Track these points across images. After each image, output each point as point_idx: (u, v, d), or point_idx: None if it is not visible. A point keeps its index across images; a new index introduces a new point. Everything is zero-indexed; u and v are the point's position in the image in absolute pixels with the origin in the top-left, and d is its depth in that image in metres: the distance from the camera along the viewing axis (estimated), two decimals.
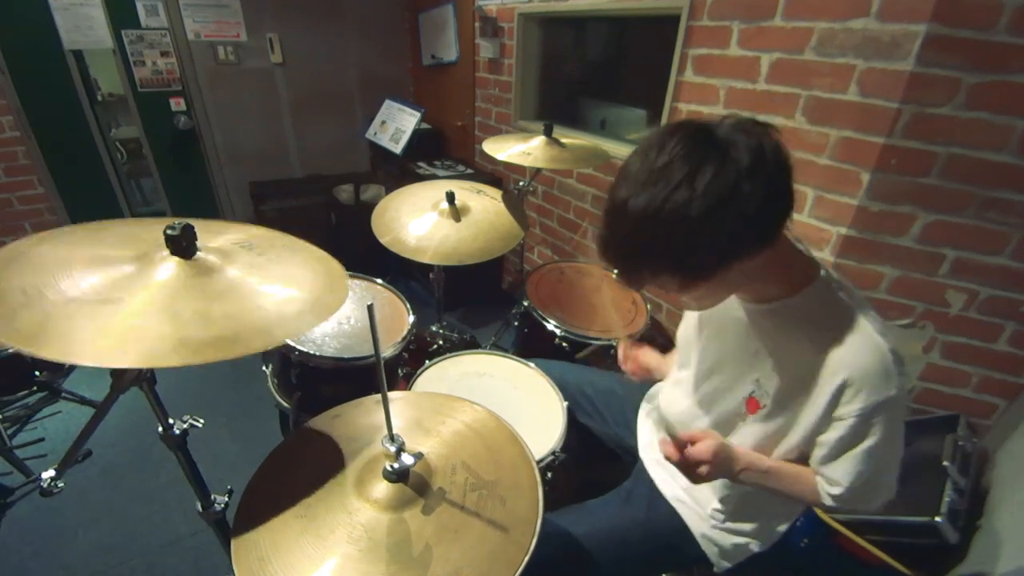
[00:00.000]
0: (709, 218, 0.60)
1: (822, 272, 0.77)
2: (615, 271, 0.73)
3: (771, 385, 0.81)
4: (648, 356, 1.18)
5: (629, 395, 1.25)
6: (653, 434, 1.13)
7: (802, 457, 0.84)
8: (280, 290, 0.71)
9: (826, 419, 0.75)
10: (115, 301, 0.60)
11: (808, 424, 0.78)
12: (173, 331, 0.59)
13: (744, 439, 0.87)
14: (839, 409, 0.73)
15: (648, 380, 1.18)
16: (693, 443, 0.80)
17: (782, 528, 0.99)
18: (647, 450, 1.12)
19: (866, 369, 0.70)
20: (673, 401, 1.04)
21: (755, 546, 0.97)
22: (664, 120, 1.83)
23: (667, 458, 0.81)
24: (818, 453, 0.79)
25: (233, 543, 0.64)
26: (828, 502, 0.81)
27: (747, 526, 0.96)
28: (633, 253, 0.68)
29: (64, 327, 0.55)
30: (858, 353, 0.70)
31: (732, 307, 0.87)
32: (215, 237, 0.76)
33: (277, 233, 0.86)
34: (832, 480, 0.79)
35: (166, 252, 0.67)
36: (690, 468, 0.80)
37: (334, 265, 0.82)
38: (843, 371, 0.71)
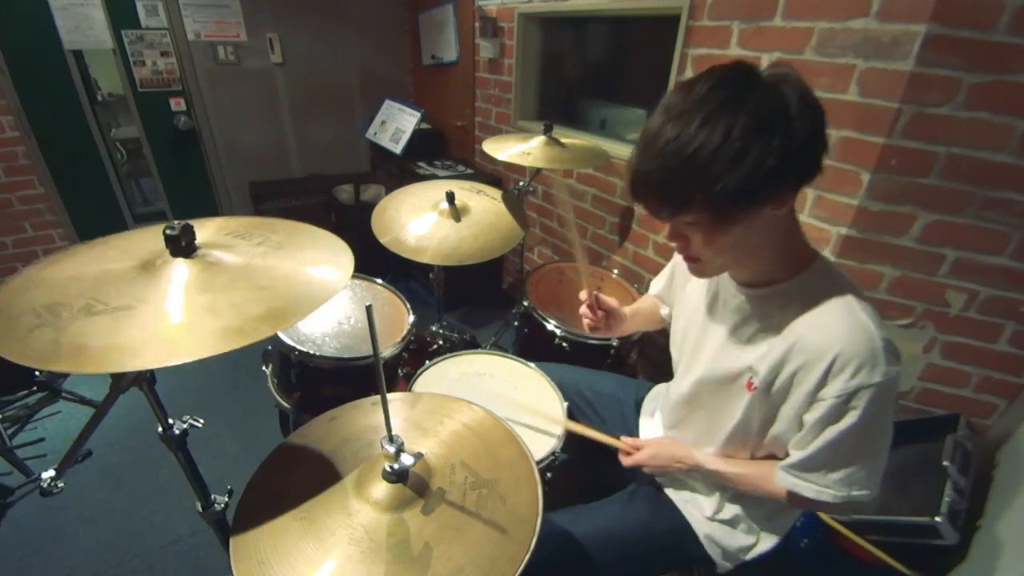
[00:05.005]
0: (754, 140, 0.61)
1: (818, 259, 0.78)
2: (650, 201, 0.71)
3: (764, 369, 0.79)
4: (607, 298, 1.16)
5: (628, 398, 1.25)
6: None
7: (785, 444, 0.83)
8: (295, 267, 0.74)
9: (810, 399, 0.74)
10: (126, 308, 0.61)
11: (796, 404, 0.76)
12: (189, 325, 0.60)
13: (738, 417, 0.85)
14: (823, 389, 0.72)
15: (611, 327, 1.17)
16: (637, 449, 1.01)
17: (785, 530, 0.99)
18: None
19: (854, 350, 0.69)
20: (669, 395, 1.04)
21: (758, 547, 0.97)
22: None
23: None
24: (796, 436, 0.79)
25: (232, 544, 0.63)
26: (782, 478, 0.80)
27: (751, 527, 0.96)
28: (675, 175, 0.65)
29: (78, 341, 0.56)
30: (848, 334, 0.70)
31: (729, 295, 0.87)
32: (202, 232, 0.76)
33: (268, 220, 0.87)
34: (795, 449, 0.78)
35: (167, 255, 0.68)
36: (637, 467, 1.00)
37: (328, 235, 0.85)
38: (833, 351, 0.70)
